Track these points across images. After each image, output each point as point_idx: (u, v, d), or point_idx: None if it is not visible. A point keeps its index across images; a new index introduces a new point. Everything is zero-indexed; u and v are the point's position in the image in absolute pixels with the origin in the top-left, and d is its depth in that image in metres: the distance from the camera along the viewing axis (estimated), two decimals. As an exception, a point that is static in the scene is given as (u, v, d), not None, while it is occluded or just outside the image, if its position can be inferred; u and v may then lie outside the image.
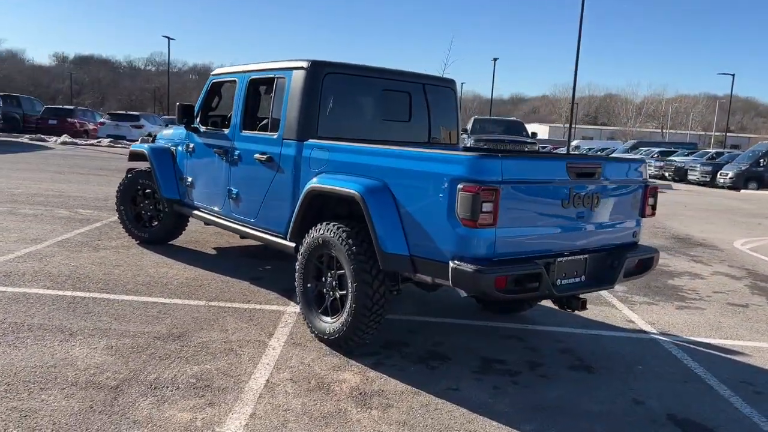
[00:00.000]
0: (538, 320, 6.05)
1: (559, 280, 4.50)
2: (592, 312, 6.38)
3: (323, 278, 5.01)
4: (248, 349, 4.81)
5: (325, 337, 4.88)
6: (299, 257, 5.10)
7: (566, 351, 5.28)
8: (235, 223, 6.29)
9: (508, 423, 3.92)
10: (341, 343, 4.79)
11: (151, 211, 7.98)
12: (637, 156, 33.66)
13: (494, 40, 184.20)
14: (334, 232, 4.74)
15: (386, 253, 4.41)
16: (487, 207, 3.94)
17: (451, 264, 4.05)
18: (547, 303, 5.98)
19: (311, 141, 5.34)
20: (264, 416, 3.77)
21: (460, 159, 4.07)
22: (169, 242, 8.12)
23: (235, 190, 6.22)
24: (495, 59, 55.23)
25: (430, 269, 4.25)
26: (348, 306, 4.67)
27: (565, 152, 34.96)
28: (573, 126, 49.91)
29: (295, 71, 5.53)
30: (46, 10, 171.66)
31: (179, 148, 7.36)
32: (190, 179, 7.11)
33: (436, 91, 6.30)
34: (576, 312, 5.09)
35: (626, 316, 6.42)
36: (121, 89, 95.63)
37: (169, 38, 49.45)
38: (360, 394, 4.19)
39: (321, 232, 4.86)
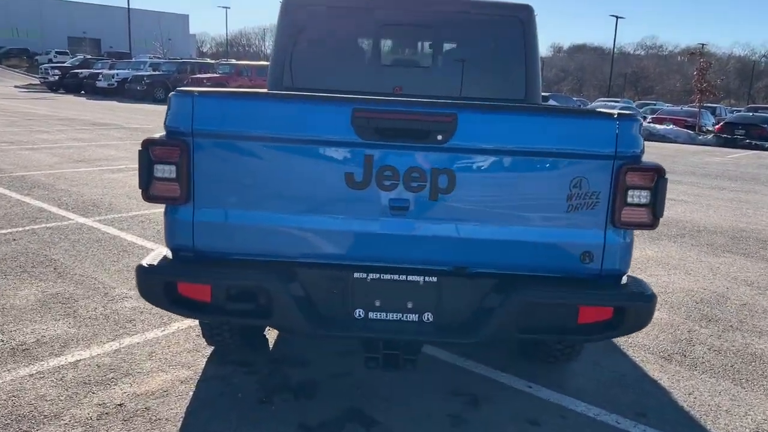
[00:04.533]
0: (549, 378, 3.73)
1: (360, 311, 2.67)
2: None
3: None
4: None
5: None
6: None
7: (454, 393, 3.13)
8: None
9: None
10: None
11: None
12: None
13: None
14: None
15: None
16: (162, 171, 2.58)
17: None
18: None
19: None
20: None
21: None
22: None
23: None
24: None
25: None
26: None
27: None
28: None
29: None
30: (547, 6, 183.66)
31: None
32: None
33: (484, 25, 4.38)
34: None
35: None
36: (598, 74, 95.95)
37: (617, 17, 47.26)
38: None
39: None
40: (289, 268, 2.64)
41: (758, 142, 22.00)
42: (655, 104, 41.36)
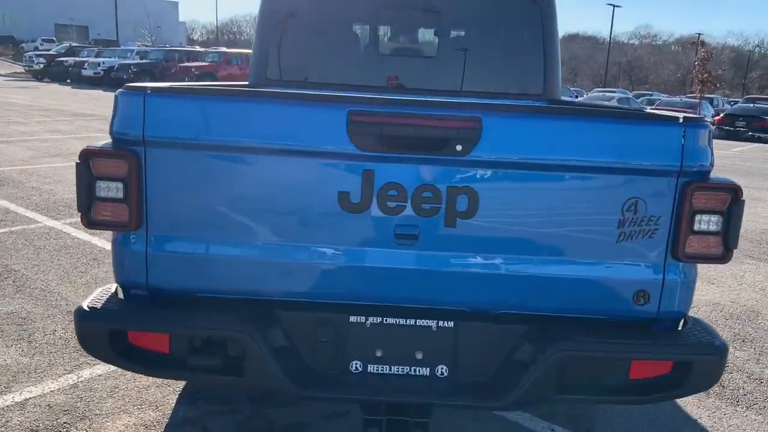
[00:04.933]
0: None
1: (357, 364, 2.14)
2: None
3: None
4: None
5: None
6: None
7: None
8: None
9: None
10: None
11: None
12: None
13: None
14: None
15: None
16: (106, 189, 2.04)
17: None
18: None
19: None
20: None
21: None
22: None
23: None
24: None
25: None
26: None
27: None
28: None
29: None
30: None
31: None
32: None
33: (496, 7, 3.84)
34: None
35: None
36: (592, 64, 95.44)
37: (614, 5, 46.66)
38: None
39: None
40: (268, 311, 2.12)
41: (761, 135, 21.59)
42: (651, 95, 40.89)
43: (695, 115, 2.17)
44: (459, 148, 1.98)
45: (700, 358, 2.08)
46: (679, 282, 2.12)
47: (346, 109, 1.97)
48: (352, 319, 2.13)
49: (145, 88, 2.01)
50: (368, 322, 2.13)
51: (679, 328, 2.19)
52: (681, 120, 2.03)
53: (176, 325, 2.06)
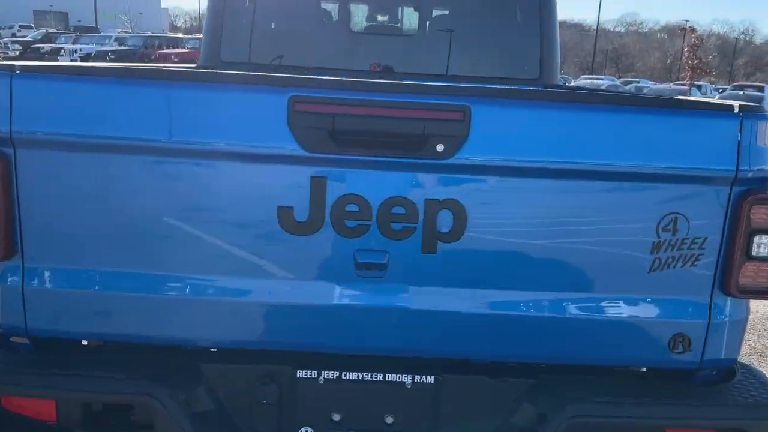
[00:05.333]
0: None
1: (307, 431, 1.64)
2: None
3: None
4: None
5: None
6: None
7: None
8: None
9: None
10: None
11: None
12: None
13: None
14: None
15: None
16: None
17: None
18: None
19: None
20: None
21: None
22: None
23: None
24: None
25: None
26: None
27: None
28: None
29: None
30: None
31: None
32: None
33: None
34: None
35: None
36: (578, 51, 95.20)
37: (602, -9, 46.20)
38: None
39: None
40: (190, 364, 1.61)
41: (751, 123, 21.26)
42: (638, 82, 40.51)
43: (752, 103, 1.66)
44: (440, 148, 1.47)
45: (757, 424, 1.60)
46: (728, 322, 1.63)
47: (287, 94, 1.45)
48: (301, 373, 1.63)
49: (13, 66, 1.48)
50: (322, 377, 1.63)
51: (728, 382, 1.71)
52: (736, 109, 1.53)
53: (70, 387, 1.55)
